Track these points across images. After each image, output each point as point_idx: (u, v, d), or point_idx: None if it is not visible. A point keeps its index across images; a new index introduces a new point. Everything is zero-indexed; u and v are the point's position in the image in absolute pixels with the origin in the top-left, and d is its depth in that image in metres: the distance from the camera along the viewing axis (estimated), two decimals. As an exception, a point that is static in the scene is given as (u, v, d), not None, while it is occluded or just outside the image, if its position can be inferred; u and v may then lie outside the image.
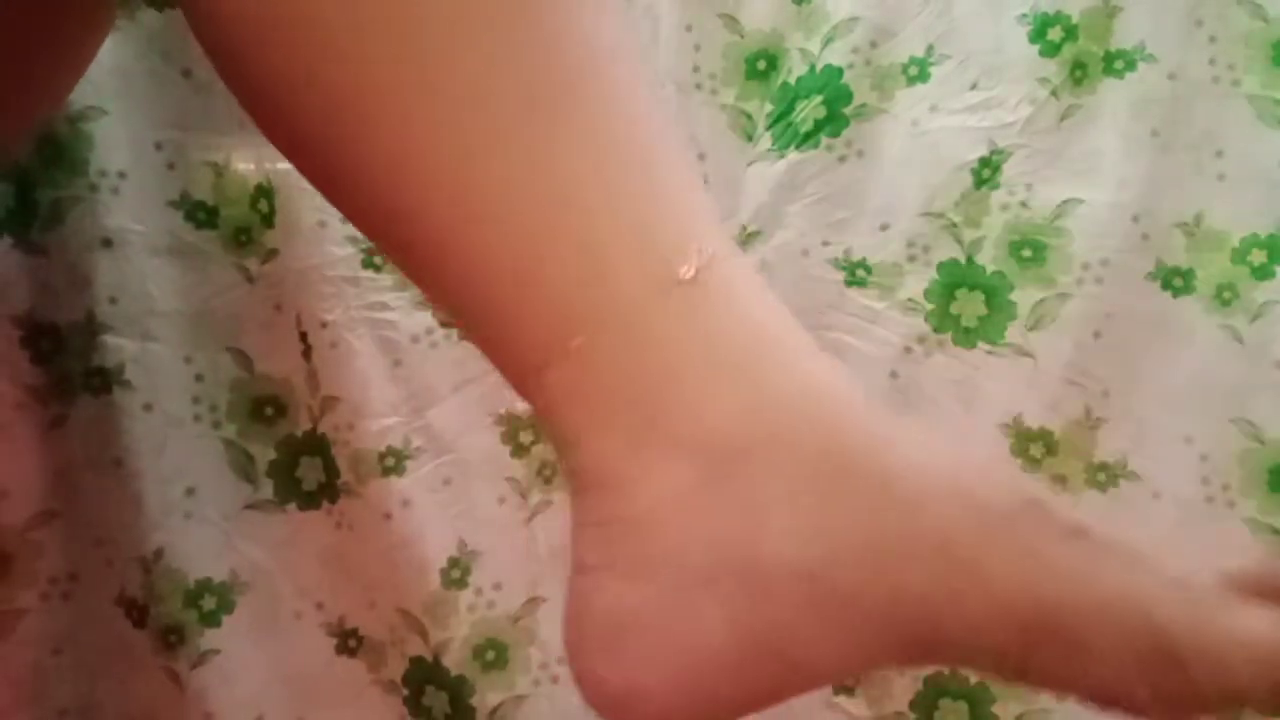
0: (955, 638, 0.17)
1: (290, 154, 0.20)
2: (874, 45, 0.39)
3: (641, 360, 0.18)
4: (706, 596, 0.18)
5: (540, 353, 0.18)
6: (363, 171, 0.18)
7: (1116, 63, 0.36)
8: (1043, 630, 0.17)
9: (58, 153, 0.32)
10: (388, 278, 0.35)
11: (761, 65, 0.40)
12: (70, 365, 0.33)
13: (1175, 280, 0.36)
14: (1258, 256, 0.36)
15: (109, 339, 0.33)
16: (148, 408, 0.33)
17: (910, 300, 0.39)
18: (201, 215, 0.33)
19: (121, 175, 0.33)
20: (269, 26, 0.17)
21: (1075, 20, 0.36)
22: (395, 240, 0.19)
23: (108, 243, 0.33)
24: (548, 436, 0.22)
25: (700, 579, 0.18)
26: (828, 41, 0.40)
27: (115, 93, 0.32)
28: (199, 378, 0.34)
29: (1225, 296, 0.36)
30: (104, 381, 0.33)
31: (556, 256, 0.17)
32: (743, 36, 0.40)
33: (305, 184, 0.33)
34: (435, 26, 0.17)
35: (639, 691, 0.18)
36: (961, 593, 0.17)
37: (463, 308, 0.19)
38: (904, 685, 0.38)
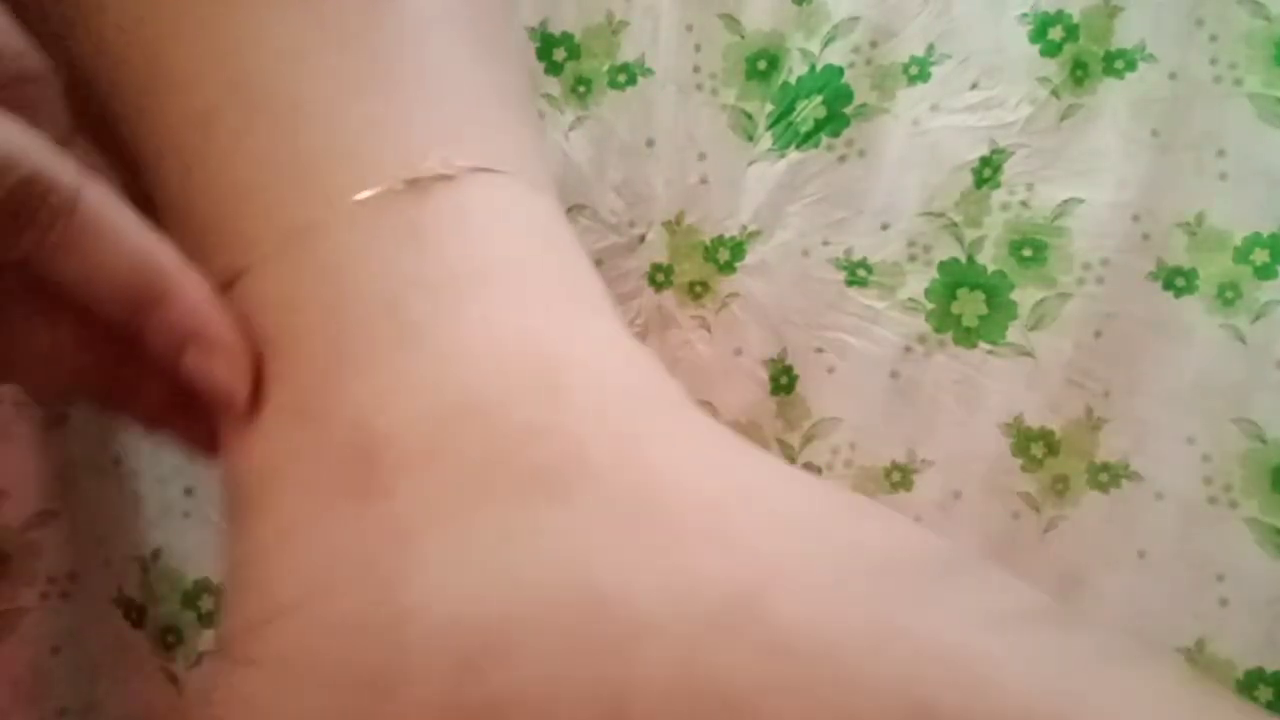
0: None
1: None
2: (874, 45, 0.40)
3: (317, 287, 0.14)
4: (319, 690, 0.12)
5: (227, 267, 0.15)
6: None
7: (1117, 62, 0.37)
8: None
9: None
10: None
11: (762, 65, 0.40)
12: (69, 365, 0.33)
13: (1177, 280, 0.37)
14: (1260, 256, 0.36)
15: None
16: (147, 408, 0.34)
17: (911, 300, 0.39)
18: None
19: (121, 175, 0.33)
20: None
21: (1076, 20, 0.37)
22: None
23: (107, 243, 0.33)
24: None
25: (308, 664, 0.12)
26: (828, 41, 0.40)
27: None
28: (198, 378, 0.34)
29: (1227, 296, 0.36)
30: (103, 381, 0.34)
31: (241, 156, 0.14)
32: (743, 36, 0.40)
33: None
34: None
35: None
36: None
37: (168, 202, 0.15)
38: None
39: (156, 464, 0.34)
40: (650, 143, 0.40)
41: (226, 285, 0.15)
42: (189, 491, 0.34)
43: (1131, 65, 0.37)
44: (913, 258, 0.40)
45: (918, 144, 0.40)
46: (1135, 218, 0.37)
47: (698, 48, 0.40)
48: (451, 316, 0.13)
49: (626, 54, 0.39)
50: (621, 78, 0.40)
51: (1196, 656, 0.38)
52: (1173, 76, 0.36)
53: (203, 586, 0.35)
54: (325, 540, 0.13)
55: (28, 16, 0.16)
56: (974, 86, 0.39)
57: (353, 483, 0.13)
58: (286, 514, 0.13)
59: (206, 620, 0.35)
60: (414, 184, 0.13)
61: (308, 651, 0.13)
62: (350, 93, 0.14)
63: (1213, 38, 0.36)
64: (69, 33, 0.15)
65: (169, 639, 0.34)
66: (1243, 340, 0.36)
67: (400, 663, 0.12)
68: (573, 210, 0.40)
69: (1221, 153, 0.36)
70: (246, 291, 0.14)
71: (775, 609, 0.12)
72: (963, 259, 0.39)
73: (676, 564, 0.13)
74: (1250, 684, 0.37)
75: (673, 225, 0.40)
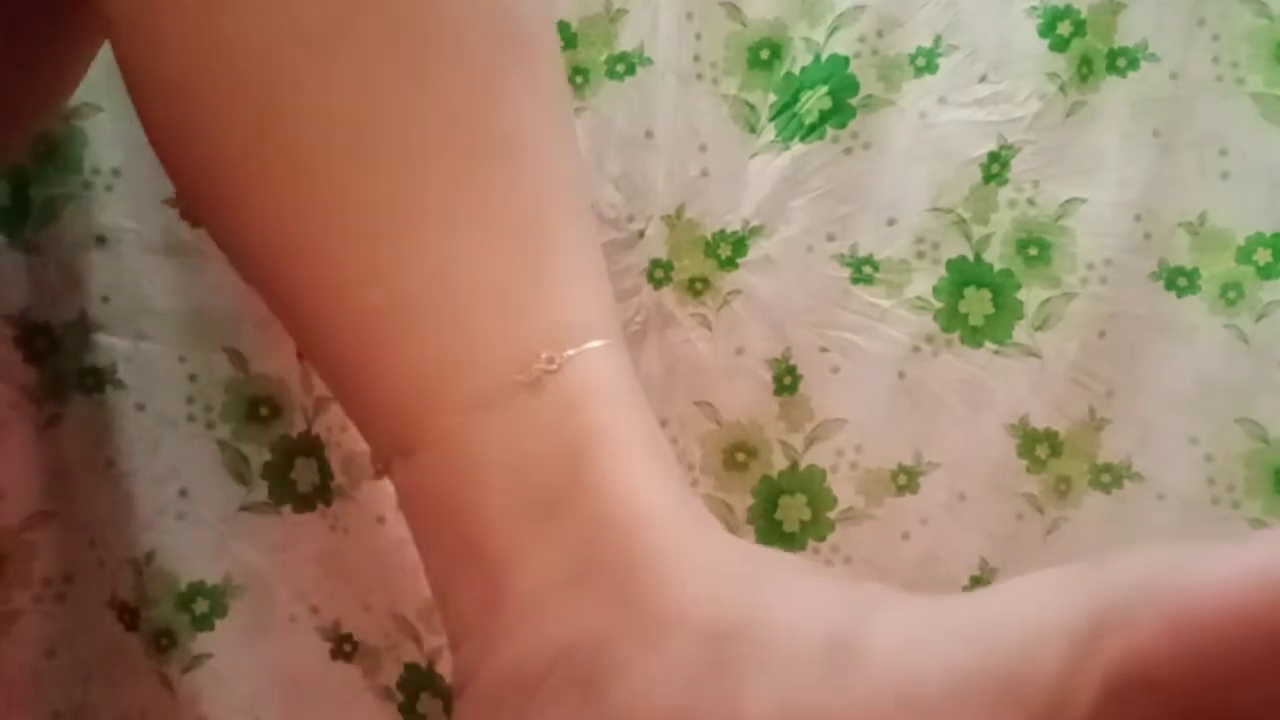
0: None
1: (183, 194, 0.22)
2: (880, 35, 0.44)
3: (460, 475, 0.18)
4: None
5: (387, 449, 0.20)
6: (249, 226, 0.20)
7: (1119, 60, 0.41)
8: None
9: (51, 150, 0.37)
10: (382, 275, 0.41)
11: (765, 55, 0.45)
12: (64, 365, 0.37)
13: (1179, 280, 0.41)
14: (1263, 255, 0.41)
15: (101, 338, 0.38)
16: (140, 407, 0.38)
17: (919, 298, 0.44)
18: None
19: (115, 173, 0.38)
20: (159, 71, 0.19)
21: (1084, 15, 0.41)
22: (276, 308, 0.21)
23: (101, 241, 0.38)
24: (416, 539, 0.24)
25: None
26: (833, 30, 0.45)
27: (110, 89, 0.37)
28: (193, 377, 0.39)
29: (1230, 296, 0.41)
30: (96, 381, 0.38)
31: (412, 344, 0.18)
32: (745, 25, 0.45)
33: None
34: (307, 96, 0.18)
35: None
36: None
37: (326, 375, 0.21)
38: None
39: (151, 465, 0.38)
40: (649, 134, 0.44)
41: (389, 459, 0.20)
42: (183, 493, 0.39)
43: (1134, 64, 0.41)
44: (920, 255, 0.45)
45: (925, 137, 0.44)
46: (1137, 217, 0.41)
47: (698, 36, 0.45)
48: (594, 499, 0.18)
49: (625, 43, 0.43)
50: (620, 67, 0.44)
51: (1199, 658, 0.43)
52: (1174, 76, 0.41)
53: (197, 589, 0.39)
54: (504, 679, 0.18)
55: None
56: (982, 80, 0.44)
57: (525, 637, 0.18)
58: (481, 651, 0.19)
59: (200, 623, 0.39)
60: (542, 376, 0.18)
61: None
62: (495, 295, 0.19)
63: (1215, 37, 0.40)
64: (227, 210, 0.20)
65: (162, 642, 0.39)
66: (1246, 341, 0.41)
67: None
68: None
69: (1224, 152, 0.40)
70: (422, 462, 0.19)
71: None
72: (970, 257, 0.44)
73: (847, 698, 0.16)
74: (1253, 686, 0.43)
75: (673, 220, 0.45)
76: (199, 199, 0.21)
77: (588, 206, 0.21)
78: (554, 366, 0.18)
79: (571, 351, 0.19)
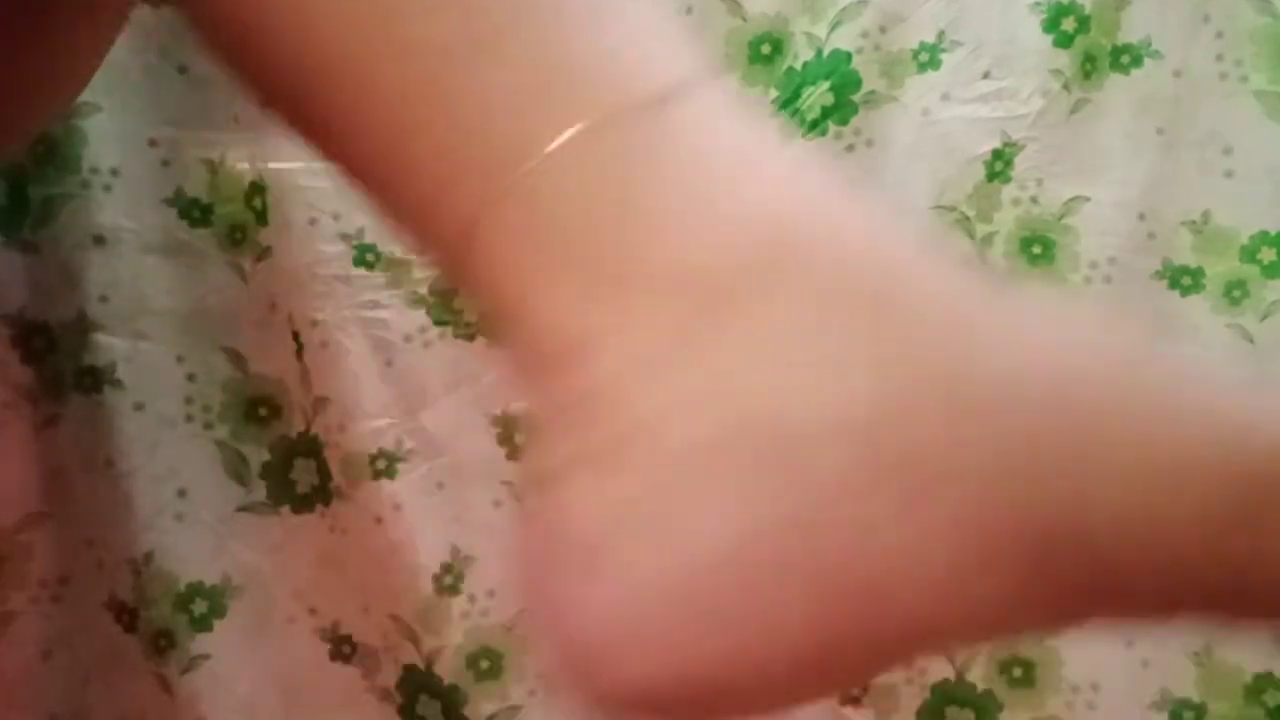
0: (1132, 559, 0.14)
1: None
2: (883, 30, 0.46)
3: (598, 190, 0.17)
4: (713, 481, 0.15)
5: (474, 201, 0.17)
6: (266, 30, 0.18)
7: (1123, 57, 0.43)
8: (1246, 506, 0.14)
9: (50, 149, 0.38)
10: (380, 276, 0.42)
11: (766, 50, 0.47)
12: (62, 364, 0.39)
13: (1183, 279, 0.43)
14: (1267, 254, 0.42)
15: (100, 338, 0.39)
16: (139, 407, 0.40)
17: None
18: (196, 213, 0.39)
19: (114, 172, 0.39)
20: None
21: (1088, 11, 0.43)
22: (293, 88, 0.18)
23: (100, 240, 0.39)
24: (488, 314, 0.20)
25: (698, 455, 0.15)
26: (835, 26, 0.46)
27: (109, 88, 0.38)
28: (191, 377, 0.40)
29: (1234, 295, 0.42)
30: (95, 381, 0.39)
31: (493, 77, 0.16)
32: (745, 20, 0.46)
33: (298, 181, 0.41)
34: None
35: (622, 636, 0.15)
36: (1101, 469, 0.14)
37: (380, 169, 0.18)
38: (911, 694, 0.45)
39: (149, 465, 0.40)
40: (650, 130, 0.46)
41: (476, 218, 0.17)
42: (182, 493, 0.40)
43: (1137, 61, 0.42)
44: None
45: (928, 134, 0.46)
46: (1141, 216, 0.43)
47: (698, 31, 0.47)
48: (768, 184, 0.17)
49: (625, 38, 0.46)
50: (620, 63, 0.46)
51: (1204, 660, 0.44)
52: (1178, 73, 0.42)
53: (195, 590, 0.40)
54: (684, 363, 0.16)
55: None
56: (986, 76, 0.45)
57: (701, 315, 0.16)
58: (634, 350, 0.16)
59: (199, 624, 0.41)
60: (650, 99, 0.17)
61: (710, 444, 0.16)
62: (588, 17, 0.17)
63: (1219, 34, 0.42)
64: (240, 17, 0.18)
65: (161, 643, 0.40)
66: (1250, 340, 0.43)
67: (801, 443, 0.15)
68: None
69: (1227, 150, 0.42)
70: (532, 184, 0.17)
71: None
72: (974, 256, 0.46)
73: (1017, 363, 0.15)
74: (1259, 688, 0.44)
75: (673, 217, 0.47)
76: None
77: None
78: (676, 85, 0.17)
79: (682, 74, 0.17)
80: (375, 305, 0.41)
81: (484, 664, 0.43)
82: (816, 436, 0.15)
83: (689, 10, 0.46)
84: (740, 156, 0.17)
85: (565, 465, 0.17)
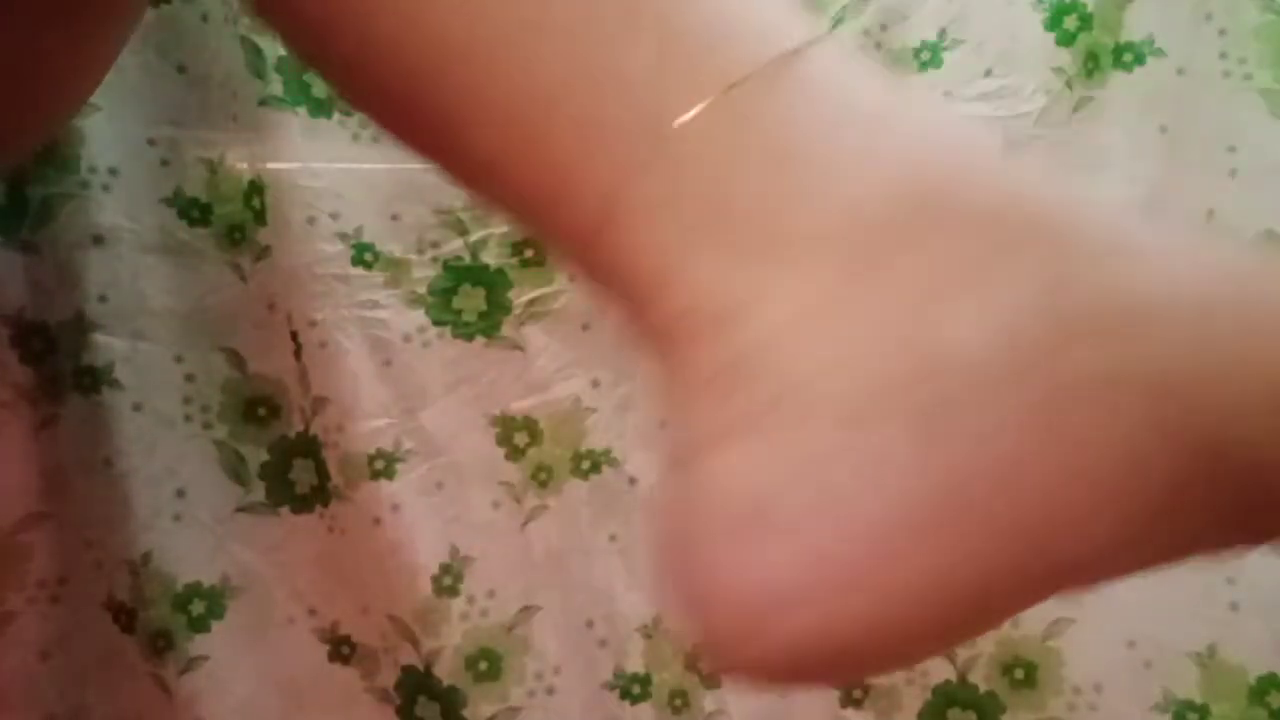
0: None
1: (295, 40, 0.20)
2: (884, 28, 0.47)
3: (738, 155, 0.17)
4: (879, 429, 0.15)
5: (612, 174, 0.17)
6: (367, 45, 0.18)
7: (1125, 55, 0.43)
8: None
9: (49, 149, 0.38)
10: (379, 275, 0.42)
11: (767, 48, 0.47)
12: (61, 364, 0.39)
13: None
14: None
15: (99, 337, 0.39)
16: (137, 408, 0.40)
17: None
18: (195, 213, 0.40)
19: (113, 172, 0.40)
20: None
21: (1090, 9, 0.43)
22: (409, 93, 0.18)
23: (99, 240, 0.40)
24: (621, 308, 0.19)
25: (863, 406, 0.15)
26: (836, 24, 0.47)
27: (107, 88, 0.39)
28: (190, 377, 0.41)
29: None
30: (93, 381, 0.40)
31: (622, 53, 0.17)
32: (747, 18, 0.47)
33: (296, 180, 0.41)
34: None
35: (789, 591, 0.15)
36: (1274, 390, 0.15)
37: (508, 155, 0.18)
38: (912, 696, 0.45)
39: (148, 466, 0.40)
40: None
41: (611, 197, 0.17)
42: (180, 493, 0.41)
43: (1140, 59, 0.43)
44: (926, 251, 0.48)
45: (930, 132, 0.47)
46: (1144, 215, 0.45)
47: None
48: (907, 129, 0.18)
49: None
50: (620, 60, 0.47)
51: (1207, 662, 0.45)
52: (1181, 71, 0.43)
53: (193, 590, 0.41)
54: (841, 318, 0.16)
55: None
56: (987, 74, 0.46)
57: (853, 269, 0.16)
58: (788, 311, 0.17)
59: (197, 625, 0.41)
60: (789, 57, 0.17)
61: (877, 395, 0.16)
62: None
63: (1222, 32, 0.42)
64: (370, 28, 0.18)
65: (159, 644, 0.41)
66: (1254, 339, 0.45)
67: (959, 381, 0.16)
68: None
69: (1231, 149, 0.42)
70: (672, 153, 0.17)
71: None
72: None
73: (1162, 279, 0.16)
74: (1262, 690, 0.45)
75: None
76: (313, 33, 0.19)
77: None
78: (793, 48, 0.17)
79: (804, 33, 0.18)
80: (374, 305, 0.42)
81: (483, 665, 0.44)
82: (994, 364, 0.15)
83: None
84: (873, 109, 0.18)
85: (721, 433, 0.17)
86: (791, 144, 0.17)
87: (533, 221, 0.19)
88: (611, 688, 0.44)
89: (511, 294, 0.43)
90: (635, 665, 0.45)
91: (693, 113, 0.17)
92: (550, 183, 0.18)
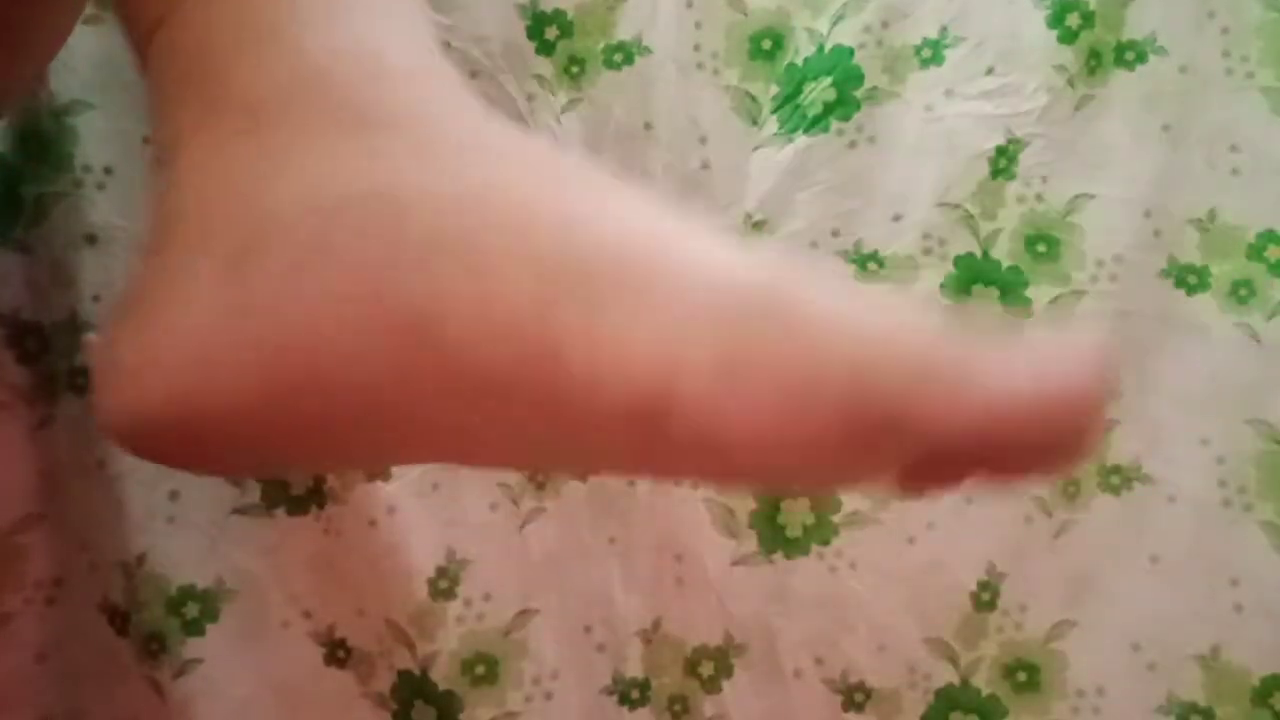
0: (466, 314, 0.19)
1: None
2: (885, 25, 0.47)
3: (229, 15, 0.22)
4: (204, 255, 0.21)
5: (158, 9, 0.22)
6: None
7: (1127, 54, 0.44)
8: (573, 287, 0.19)
9: (42, 148, 0.40)
10: (375, 274, 0.43)
11: (767, 45, 0.48)
12: (55, 365, 0.40)
13: (1189, 278, 0.44)
14: (1274, 253, 0.43)
15: (93, 337, 0.41)
16: (131, 409, 0.42)
17: (927, 296, 0.47)
18: None
19: (107, 170, 0.40)
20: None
21: (1092, 7, 0.44)
22: None
23: (93, 239, 0.40)
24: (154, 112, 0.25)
25: (202, 236, 0.21)
26: (837, 20, 0.48)
27: (102, 86, 0.40)
28: (184, 378, 0.42)
29: (1241, 294, 0.44)
30: (87, 381, 0.41)
31: None
32: (746, 15, 0.48)
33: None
34: None
35: (132, 367, 0.21)
36: (483, 251, 0.19)
37: None
38: (914, 700, 0.46)
39: (142, 467, 0.41)
40: (648, 126, 0.47)
41: (156, 24, 0.23)
42: (174, 496, 0.42)
43: (1142, 57, 0.44)
44: (927, 251, 0.48)
45: (931, 131, 0.47)
46: (1147, 214, 0.44)
47: (698, 25, 0.48)
48: (318, 32, 0.22)
49: (623, 32, 0.46)
50: (618, 57, 0.47)
51: (1211, 663, 0.46)
52: (1183, 70, 0.43)
53: (187, 593, 0.42)
54: (229, 165, 0.22)
55: None
56: (989, 72, 0.46)
57: (242, 131, 0.22)
58: (201, 153, 0.22)
59: (191, 628, 0.42)
60: None
61: (206, 231, 0.22)
62: None
63: (1225, 30, 0.43)
64: None
65: (153, 646, 0.42)
66: (1257, 339, 0.44)
67: (261, 243, 0.21)
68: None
69: (1234, 148, 0.43)
70: (185, 16, 0.23)
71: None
72: (978, 253, 0.47)
73: (468, 179, 0.20)
74: (1266, 691, 0.46)
75: (672, 214, 0.48)
76: None
77: None
78: None
79: None
80: (370, 305, 0.43)
81: (480, 669, 0.44)
82: (283, 217, 0.21)
83: (689, 4, 0.48)
84: (309, 9, 0.22)
85: (152, 236, 0.23)
86: (239, 30, 0.22)
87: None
88: (610, 693, 0.45)
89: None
90: (634, 670, 0.45)
91: None
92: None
